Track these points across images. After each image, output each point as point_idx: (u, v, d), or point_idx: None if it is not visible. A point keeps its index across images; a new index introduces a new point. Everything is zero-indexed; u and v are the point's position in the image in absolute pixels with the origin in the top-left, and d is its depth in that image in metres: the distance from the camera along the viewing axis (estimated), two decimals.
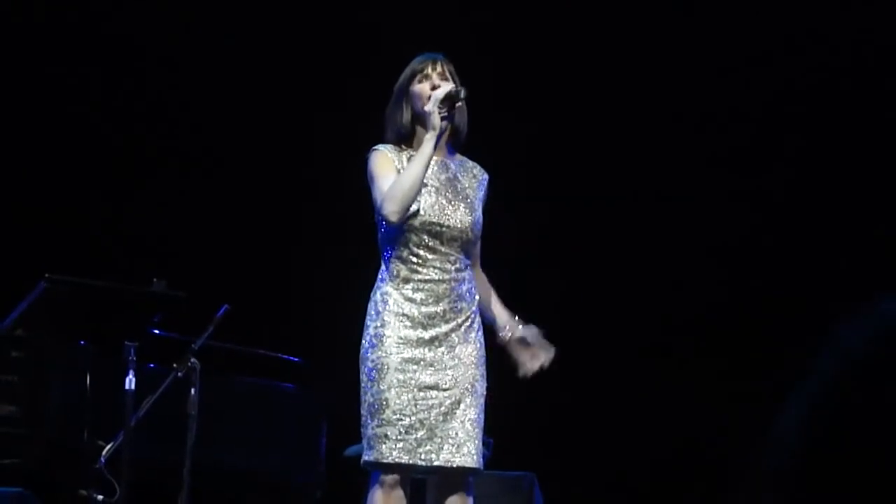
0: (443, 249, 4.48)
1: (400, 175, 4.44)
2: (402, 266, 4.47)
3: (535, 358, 4.57)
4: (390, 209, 4.40)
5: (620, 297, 7.73)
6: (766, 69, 7.59)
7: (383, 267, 4.52)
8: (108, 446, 5.60)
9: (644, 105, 7.67)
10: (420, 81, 4.55)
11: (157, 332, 6.05)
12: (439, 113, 4.46)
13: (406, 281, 4.47)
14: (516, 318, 4.64)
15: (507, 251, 7.30)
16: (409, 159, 4.51)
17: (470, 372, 4.46)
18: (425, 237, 4.47)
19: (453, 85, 4.52)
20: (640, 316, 7.70)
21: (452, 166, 4.60)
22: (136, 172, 7.67)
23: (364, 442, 4.44)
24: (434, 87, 4.52)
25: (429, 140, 4.45)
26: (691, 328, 7.61)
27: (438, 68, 4.56)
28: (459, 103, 4.51)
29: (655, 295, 7.69)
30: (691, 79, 7.64)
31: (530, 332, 4.60)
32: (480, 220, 4.58)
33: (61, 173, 7.60)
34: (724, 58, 7.60)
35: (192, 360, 5.29)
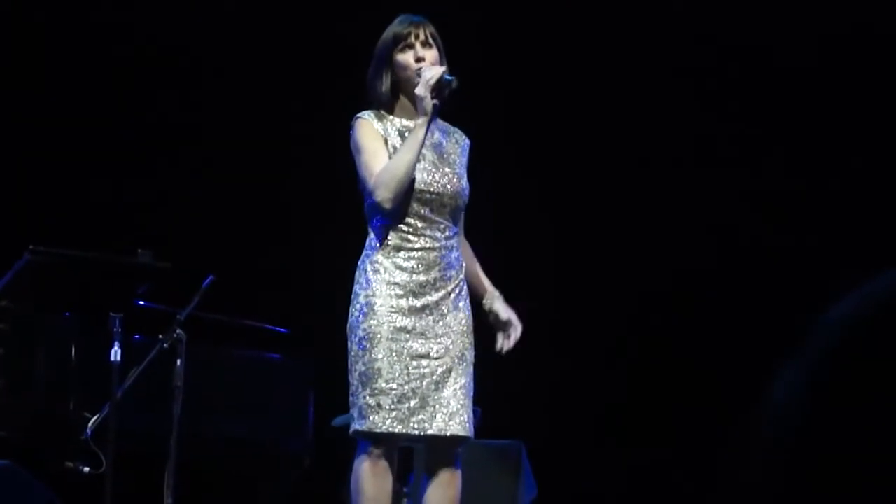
0: (433, 217, 4.46)
1: (392, 161, 4.40)
2: (392, 235, 4.44)
3: (507, 336, 4.56)
4: (383, 196, 4.37)
5: (612, 267, 7.73)
6: (760, 64, 7.59)
7: (372, 235, 4.48)
8: (95, 418, 5.59)
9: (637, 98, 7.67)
10: (403, 50, 4.50)
11: (142, 303, 6.03)
12: (431, 98, 4.41)
13: (397, 249, 4.44)
14: (495, 292, 4.62)
15: (500, 218, 7.31)
16: (396, 130, 4.49)
17: (460, 340, 4.45)
18: (416, 205, 4.43)
19: (445, 69, 4.47)
20: (631, 285, 7.70)
21: (437, 132, 4.56)
22: (121, 143, 7.63)
23: (354, 411, 4.41)
24: (418, 59, 4.48)
25: (421, 126, 4.40)
26: (682, 298, 7.61)
27: (421, 35, 4.50)
28: (449, 90, 4.46)
29: (647, 265, 7.69)
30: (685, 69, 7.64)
31: (502, 308, 4.57)
32: (468, 185, 4.55)
33: (46, 145, 7.56)
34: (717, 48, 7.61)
35: (178, 331, 5.27)
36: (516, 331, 4.55)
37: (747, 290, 7.54)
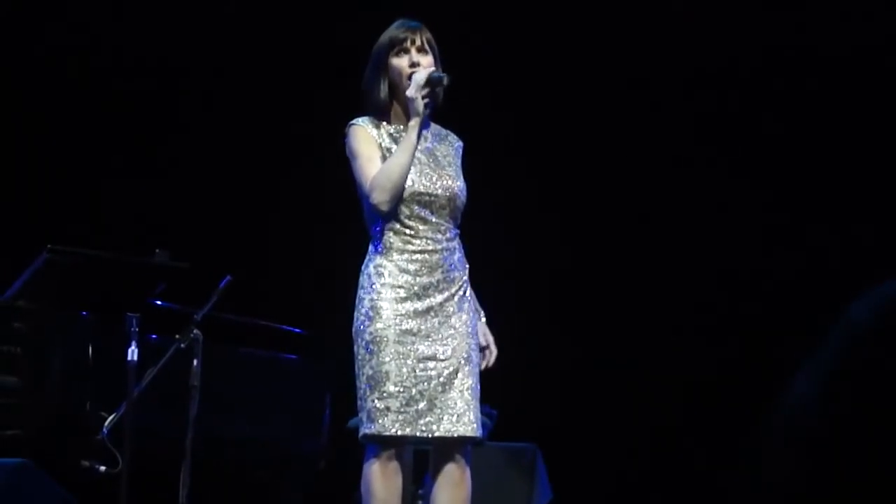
0: (433, 219, 4.49)
1: (386, 163, 4.44)
2: (394, 238, 4.47)
3: (482, 358, 4.58)
4: (380, 199, 4.42)
5: (629, 268, 7.72)
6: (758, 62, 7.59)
7: (374, 240, 4.52)
8: (111, 417, 5.60)
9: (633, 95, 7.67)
10: (398, 54, 4.52)
11: (159, 303, 6.04)
12: (422, 98, 4.43)
13: (400, 252, 4.46)
14: (479, 312, 4.64)
15: (509, 219, 7.31)
16: (388, 134, 4.51)
17: (465, 341, 4.47)
18: (415, 208, 4.47)
19: (433, 69, 4.49)
20: (644, 284, 7.69)
21: (429, 136, 4.60)
22: (138, 142, 7.65)
23: (363, 415, 4.43)
24: (413, 64, 4.50)
25: (413, 127, 4.45)
26: (698, 298, 7.60)
27: (417, 41, 4.53)
28: (440, 88, 4.48)
29: (663, 265, 7.68)
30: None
31: (481, 332, 4.59)
32: (465, 186, 4.57)
33: (63, 144, 7.58)
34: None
35: (195, 331, 5.28)
36: (492, 355, 4.59)
37: (762, 288, 7.54)
